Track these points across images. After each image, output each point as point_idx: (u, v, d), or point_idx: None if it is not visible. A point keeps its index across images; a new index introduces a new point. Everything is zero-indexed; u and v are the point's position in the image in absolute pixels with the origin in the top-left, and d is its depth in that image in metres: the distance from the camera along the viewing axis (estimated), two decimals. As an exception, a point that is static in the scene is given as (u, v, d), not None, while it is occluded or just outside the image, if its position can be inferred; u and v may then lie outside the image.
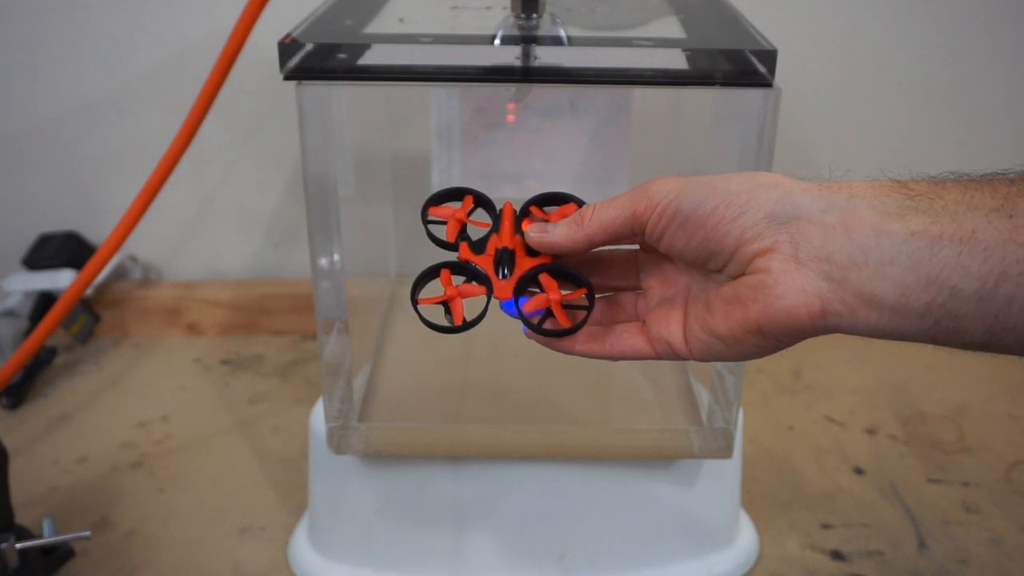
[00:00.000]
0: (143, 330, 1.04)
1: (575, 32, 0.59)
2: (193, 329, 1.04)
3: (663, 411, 0.70)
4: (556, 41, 0.57)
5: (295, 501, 0.77)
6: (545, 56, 0.55)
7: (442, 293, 0.44)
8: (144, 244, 1.05)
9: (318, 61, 0.54)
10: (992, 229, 0.34)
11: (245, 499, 0.78)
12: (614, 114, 0.68)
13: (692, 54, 0.54)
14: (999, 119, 1.00)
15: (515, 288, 0.44)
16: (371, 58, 0.54)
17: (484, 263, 0.45)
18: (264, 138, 1.00)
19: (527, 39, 0.57)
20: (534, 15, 0.60)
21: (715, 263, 0.40)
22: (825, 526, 0.75)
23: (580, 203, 0.46)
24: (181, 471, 0.81)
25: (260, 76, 0.91)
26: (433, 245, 0.46)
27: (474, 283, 0.45)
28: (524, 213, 0.47)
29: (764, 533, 0.74)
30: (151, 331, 1.04)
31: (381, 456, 0.66)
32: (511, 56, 0.55)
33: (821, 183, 0.39)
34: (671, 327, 0.44)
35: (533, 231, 0.44)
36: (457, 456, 0.65)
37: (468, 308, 0.44)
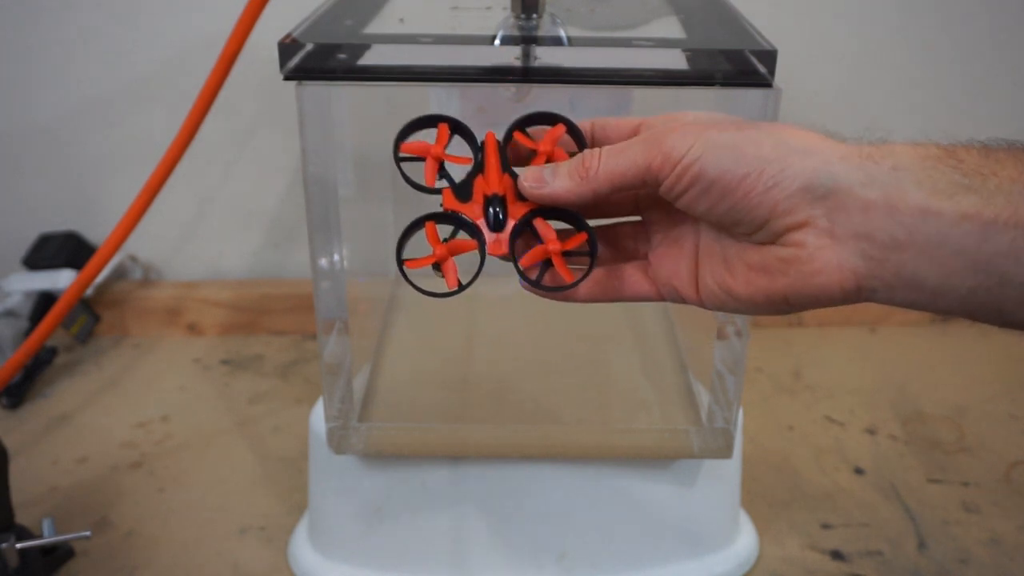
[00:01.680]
0: (143, 330, 1.04)
1: (575, 32, 0.59)
2: (193, 329, 1.04)
3: (663, 411, 0.70)
4: (556, 41, 0.57)
5: (295, 501, 0.77)
6: (545, 56, 0.55)
7: (430, 252, 0.40)
8: (144, 244, 1.04)
9: (318, 61, 0.54)
10: None
11: (245, 499, 0.78)
12: (614, 114, 0.68)
13: (692, 54, 0.54)
14: (1007, 118, 0.99)
15: (510, 240, 0.40)
16: (371, 58, 0.54)
17: (472, 212, 0.41)
18: (264, 138, 1.00)
19: (527, 39, 0.57)
20: (534, 15, 0.59)
21: (741, 230, 0.38)
22: (825, 526, 0.75)
23: (569, 123, 0.43)
24: (181, 471, 0.81)
25: (260, 76, 0.91)
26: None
27: (464, 236, 0.41)
28: (507, 139, 0.43)
29: (764, 533, 0.74)
30: (151, 331, 1.04)
31: (381, 456, 0.66)
32: (511, 56, 0.55)
33: (860, 148, 0.37)
34: (680, 272, 0.41)
35: (529, 180, 0.40)
36: (457, 456, 0.65)
37: (460, 264, 0.40)
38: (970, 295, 0.34)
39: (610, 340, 0.79)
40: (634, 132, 0.43)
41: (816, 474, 0.81)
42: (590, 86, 0.55)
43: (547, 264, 0.41)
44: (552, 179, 0.40)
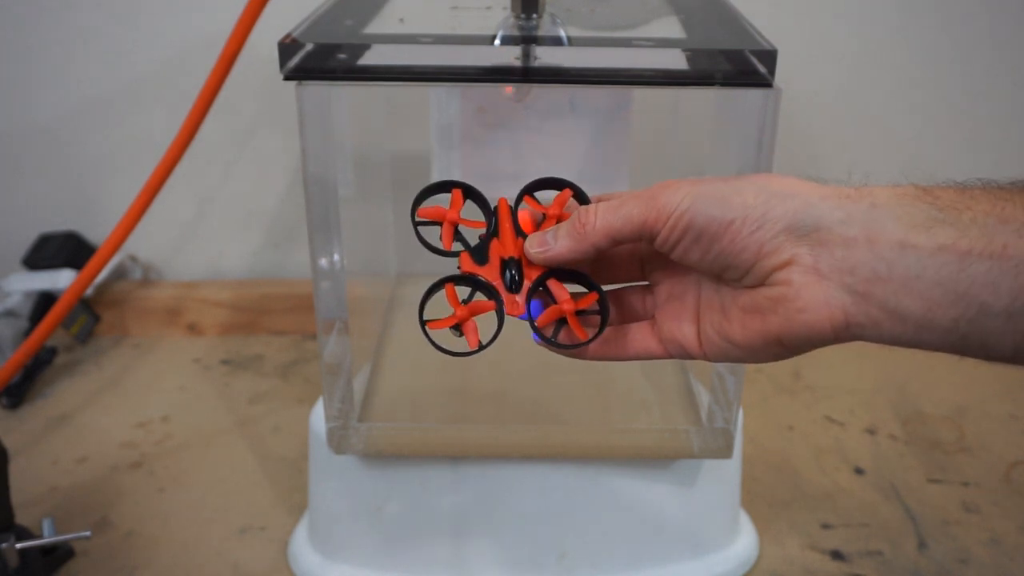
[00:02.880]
0: (143, 330, 1.04)
1: (575, 32, 0.59)
2: (193, 329, 1.04)
3: (663, 411, 0.70)
4: (556, 41, 0.57)
5: (295, 501, 0.77)
6: (545, 56, 0.55)
7: (450, 312, 0.42)
8: (144, 244, 1.05)
9: (318, 61, 0.54)
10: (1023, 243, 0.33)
11: (245, 499, 0.78)
12: (614, 114, 0.68)
13: (692, 54, 0.54)
14: (1009, 118, 0.99)
15: (526, 301, 0.43)
16: (371, 58, 0.54)
17: (489, 274, 0.43)
18: (264, 138, 1.00)
19: (527, 39, 0.57)
20: (534, 15, 0.60)
21: (732, 275, 0.39)
22: (825, 526, 0.75)
23: (575, 189, 0.45)
24: (181, 471, 0.81)
25: (260, 76, 0.91)
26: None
27: (482, 296, 0.43)
28: (518, 204, 0.45)
29: (764, 533, 0.74)
30: (151, 331, 1.04)
31: (381, 456, 0.66)
32: (511, 56, 0.55)
33: (840, 189, 0.38)
34: (683, 328, 0.43)
35: (534, 247, 0.43)
36: (457, 456, 0.65)
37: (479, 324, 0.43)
38: (953, 327, 0.35)
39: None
40: None
41: (816, 474, 0.81)
42: (590, 86, 0.55)
43: (561, 322, 0.43)
44: (554, 241, 0.42)
